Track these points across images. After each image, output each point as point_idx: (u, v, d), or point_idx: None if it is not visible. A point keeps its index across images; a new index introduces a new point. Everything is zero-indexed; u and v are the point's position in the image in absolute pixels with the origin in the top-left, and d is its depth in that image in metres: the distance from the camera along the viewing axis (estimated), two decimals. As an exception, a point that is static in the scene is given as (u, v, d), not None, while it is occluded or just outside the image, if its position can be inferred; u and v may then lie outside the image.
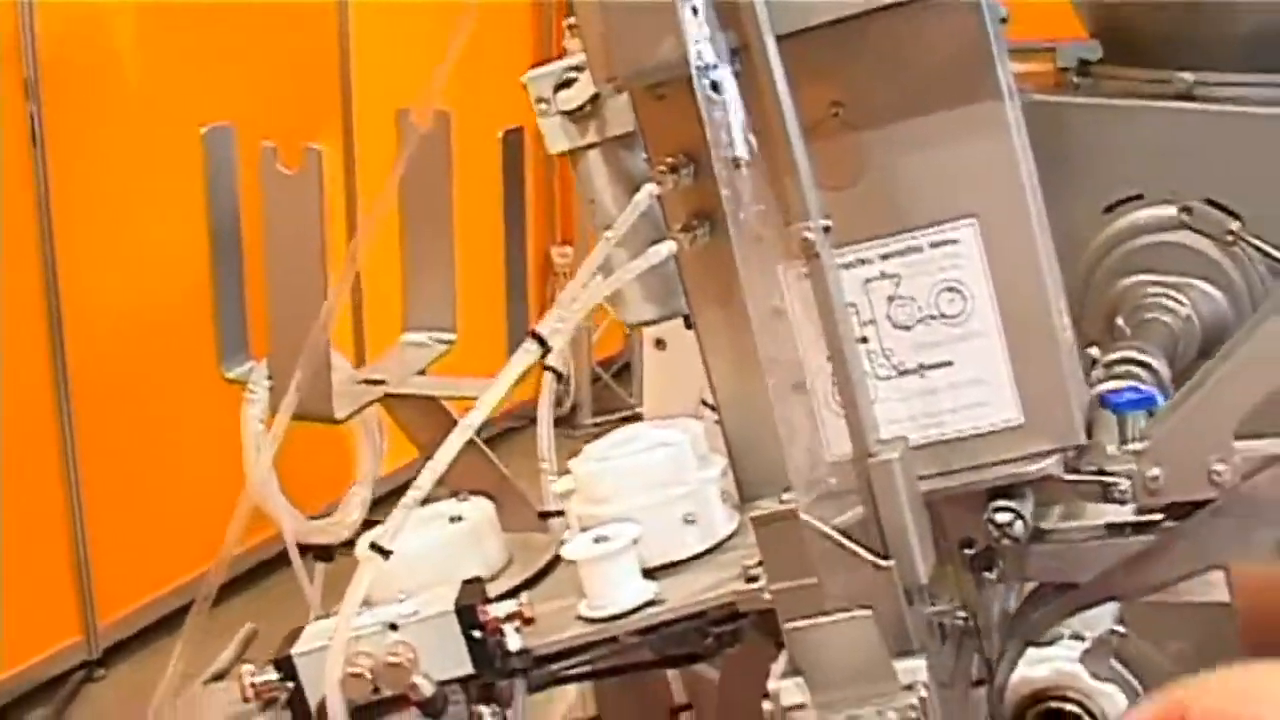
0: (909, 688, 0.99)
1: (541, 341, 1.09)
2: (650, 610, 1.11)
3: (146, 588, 4.32)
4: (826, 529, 1.02)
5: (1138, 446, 1.21)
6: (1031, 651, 1.59)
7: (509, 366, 1.09)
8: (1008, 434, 1.18)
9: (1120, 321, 1.84)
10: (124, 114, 4.23)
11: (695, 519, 1.17)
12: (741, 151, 1.04)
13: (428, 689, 1.07)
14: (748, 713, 1.08)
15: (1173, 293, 1.86)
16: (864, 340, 1.18)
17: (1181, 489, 1.21)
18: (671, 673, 1.44)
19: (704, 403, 1.36)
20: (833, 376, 1.07)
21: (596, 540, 1.12)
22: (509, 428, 2.39)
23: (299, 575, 1.42)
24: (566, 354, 2.39)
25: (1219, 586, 1.22)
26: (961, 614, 1.24)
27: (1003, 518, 1.19)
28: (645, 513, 1.16)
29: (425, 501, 1.13)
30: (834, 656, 0.99)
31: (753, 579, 1.10)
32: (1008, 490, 1.20)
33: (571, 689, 1.58)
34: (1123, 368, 1.56)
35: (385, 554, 1.07)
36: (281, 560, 1.52)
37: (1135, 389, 1.26)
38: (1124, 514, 1.25)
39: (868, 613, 0.98)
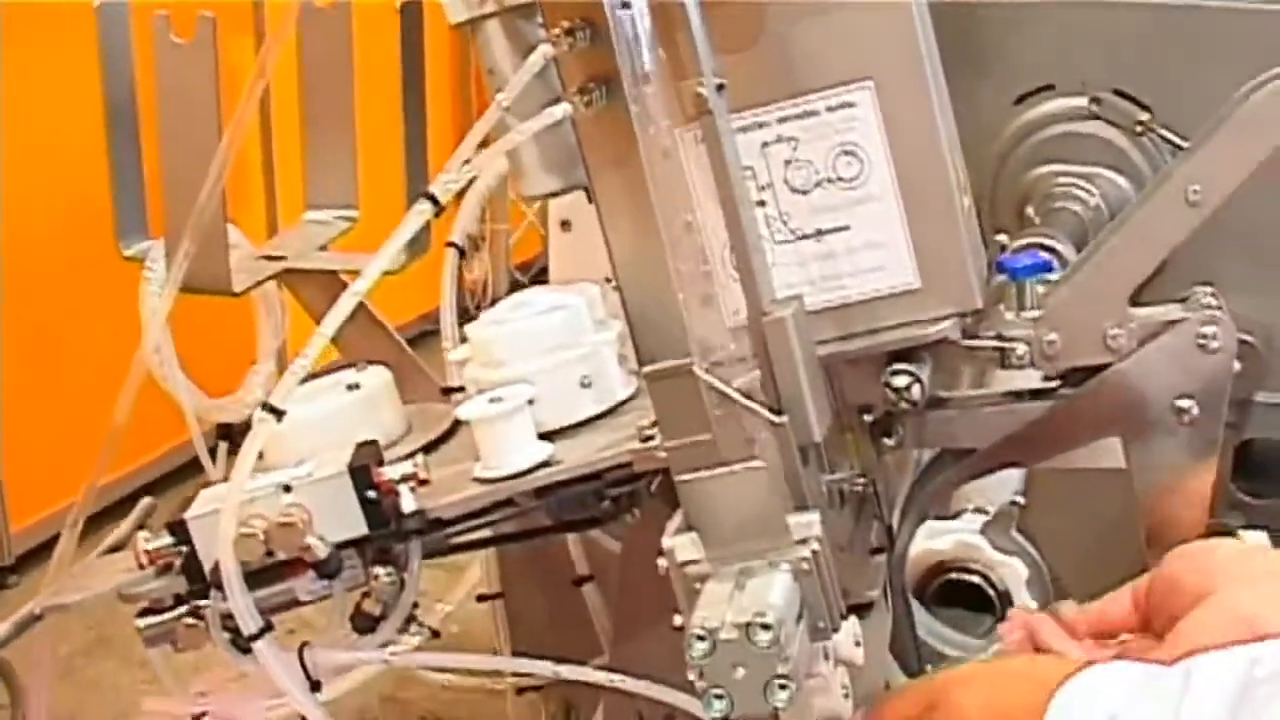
0: (802, 541, 1.00)
1: (434, 200, 1.08)
2: (545, 471, 1.11)
3: (60, 493, 4.27)
4: (719, 384, 1.02)
5: (1035, 313, 1.22)
6: (934, 524, 1.62)
7: (402, 226, 1.07)
8: (905, 298, 1.18)
9: (1030, 211, 1.84)
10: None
11: (591, 382, 1.16)
12: (639, 14, 1.03)
13: (322, 550, 1.07)
14: (649, 583, 1.08)
15: (1082, 182, 1.86)
16: (761, 204, 1.17)
17: (1078, 354, 1.22)
18: (573, 545, 1.44)
19: (608, 280, 1.35)
20: (730, 242, 1.07)
21: (491, 401, 1.12)
22: (426, 330, 2.37)
23: (199, 451, 1.41)
24: (484, 257, 2.37)
25: (1115, 453, 1.24)
26: (860, 480, 1.25)
27: (900, 381, 1.20)
28: (541, 375, 1.15)
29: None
30: (727, 510, 0.99)
31: (648, 439, 1.10)
32: (905, 354, 1.21)
33: (475, 566, 1.58)
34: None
35: (278, 414, 1.06)
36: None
37: (1033, 255, 1.27)
38: (1024, 382, 1.27)
39: (760, 463, 0.98)
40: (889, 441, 1.26)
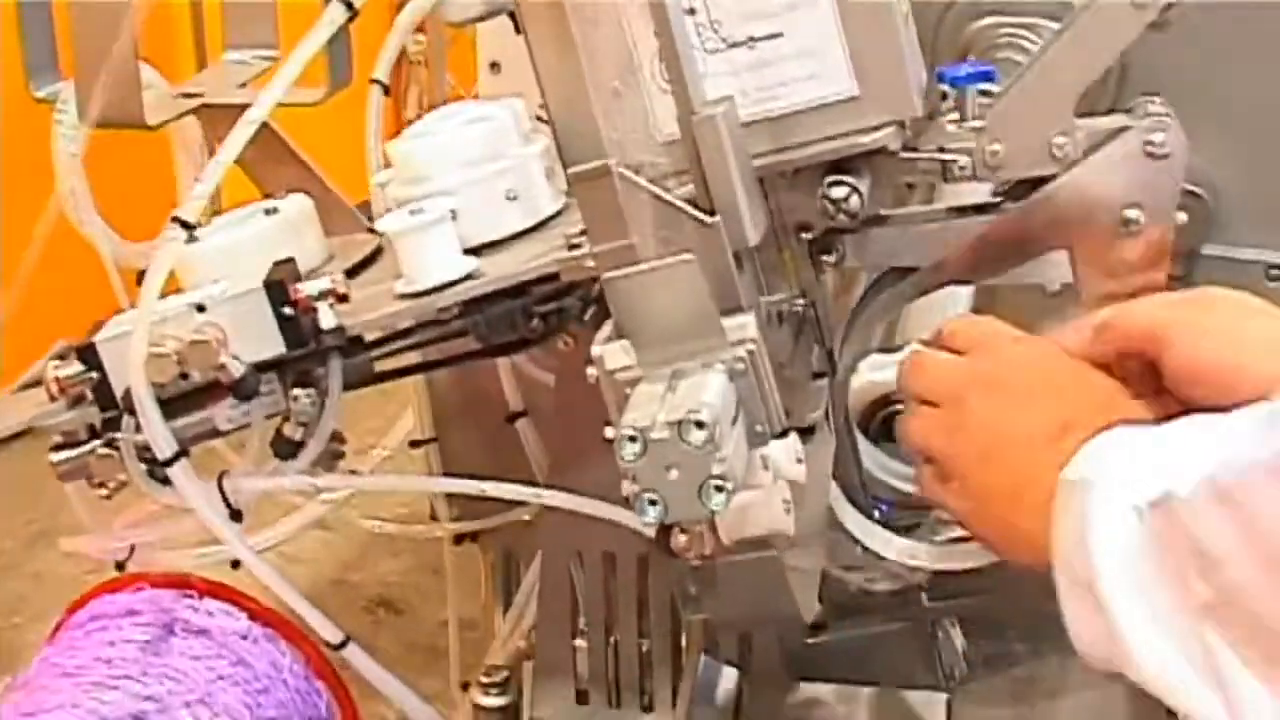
0: (738, 343, 0.96)
1: (349, 5, 1.02)
2: (468, 284, 1.06)
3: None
4: (648, 185, 0.97)
5: (977, 124, 1.17)
6: (877, 357, 1.58)
7: (313, 31, 1.02)
8: (842, 106, 1.13)
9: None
10: None
11: (517, 195, 1.11)
12: None
13: (237, 369, 1.02)
14: (585, 413, 1.04)
15: (1023, 31, 1.83)
16: (691, 12, 1.12)
17: (1022, 164, 1.17)
18: (506, 380, 1.40)
19: (539, 119, 1.30)
20: (660, 50, 1.02)
21: (411, 213, 1.07)
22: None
23: (119, 298, 1.35)
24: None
25: (1063, 268, 1.20)
26: (800, 301, 1.21)
27: (838, 192, 1.15)
28: (465, 188, 1.10)
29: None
30: (657, 310, 0.95)
31: (575, 247, 1.06)
32: (844, 166, 1.16)
33: (408, 412, 1.53)
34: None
35: (188, 227, 1.00)
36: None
37: (974, 63, 1.22)
38: (968, 197, 1.23)
39: (689, 257, 0.94)
40: (828, 259, 1.21)
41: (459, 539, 1.60)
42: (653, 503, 0.91)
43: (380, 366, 1.17)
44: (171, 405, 1.06)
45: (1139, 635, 0.81)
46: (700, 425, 0.88)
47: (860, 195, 1.16)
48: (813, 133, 1.14)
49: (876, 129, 1.13)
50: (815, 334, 1.25)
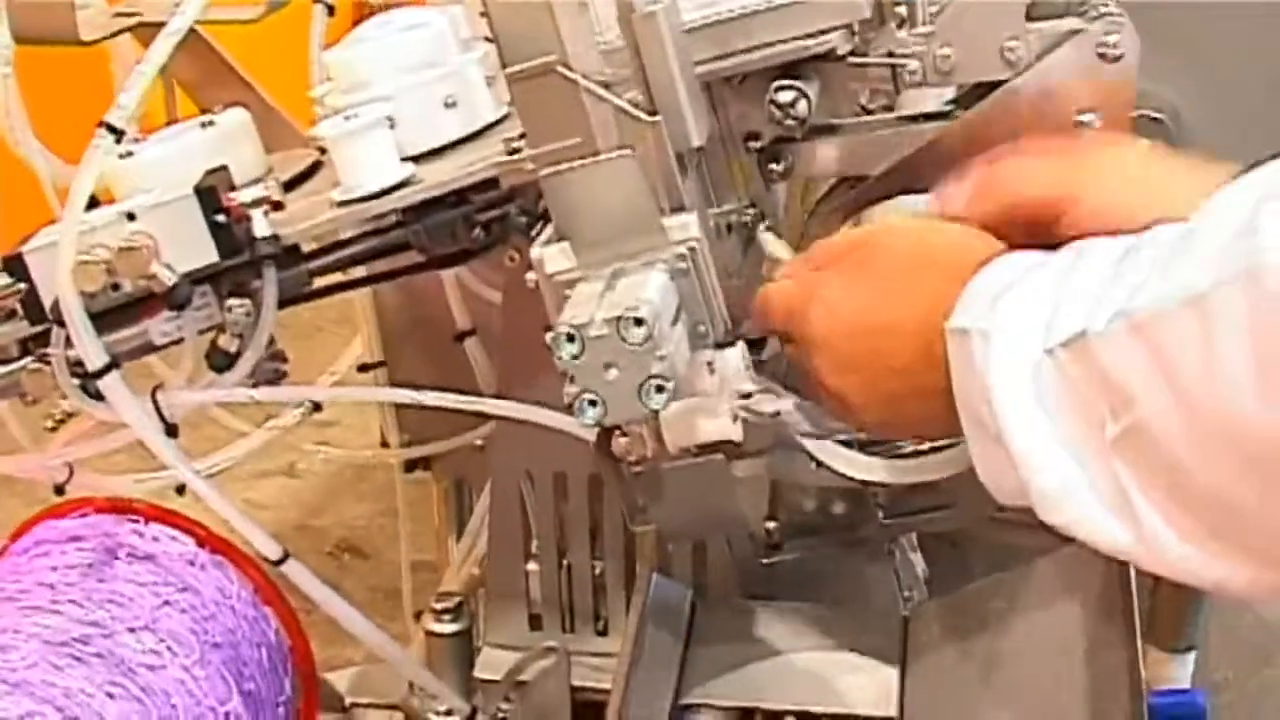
0: (679, 242, 0.93)
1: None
2: (406, 190, 1.03)
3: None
4: (587, 82, 0.95)
5: (927, 29, 1.15)
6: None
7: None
8: (788, 9, 1.10)
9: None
10: None
11: (456, 101, 1.08)
12: None
13: (169, 278, 0.99)
14: (531, 332, 1.01)
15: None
16: (635, -86, 1.10)
17: (974, 69, 1.14)
18: (453, 299, 1.37)
19: (486, 39, 1.27)
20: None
21: (346, 118, 1.04)
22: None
23: (56, 215, 1.32)
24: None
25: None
26: (750, 210, 1.19)
27: (785, 96, 1.13)
28: (402, 96, 1.07)
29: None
30: (597, 207, 0.92)
31: (515, 151, 1.03)
32: (792, 72, 1.14)
33: (357, 338, 1.51)
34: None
35: (117, 134, 0.97)
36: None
37: None
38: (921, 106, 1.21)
39: (628, 153, 0.91)
40: (776, 168, 1.19)
41: (410, 467, 1.57)
42: (592, 403, 0.88)
43: (324, 281, 1.15)
44: (104, 319, 1.04)
45: (1050, 476, 0.81)
46: (639, 322, 0.86)
47: (808, 100, 1.14)
48: (758, 37, 1.12)
49: (824, 32, 1.12)
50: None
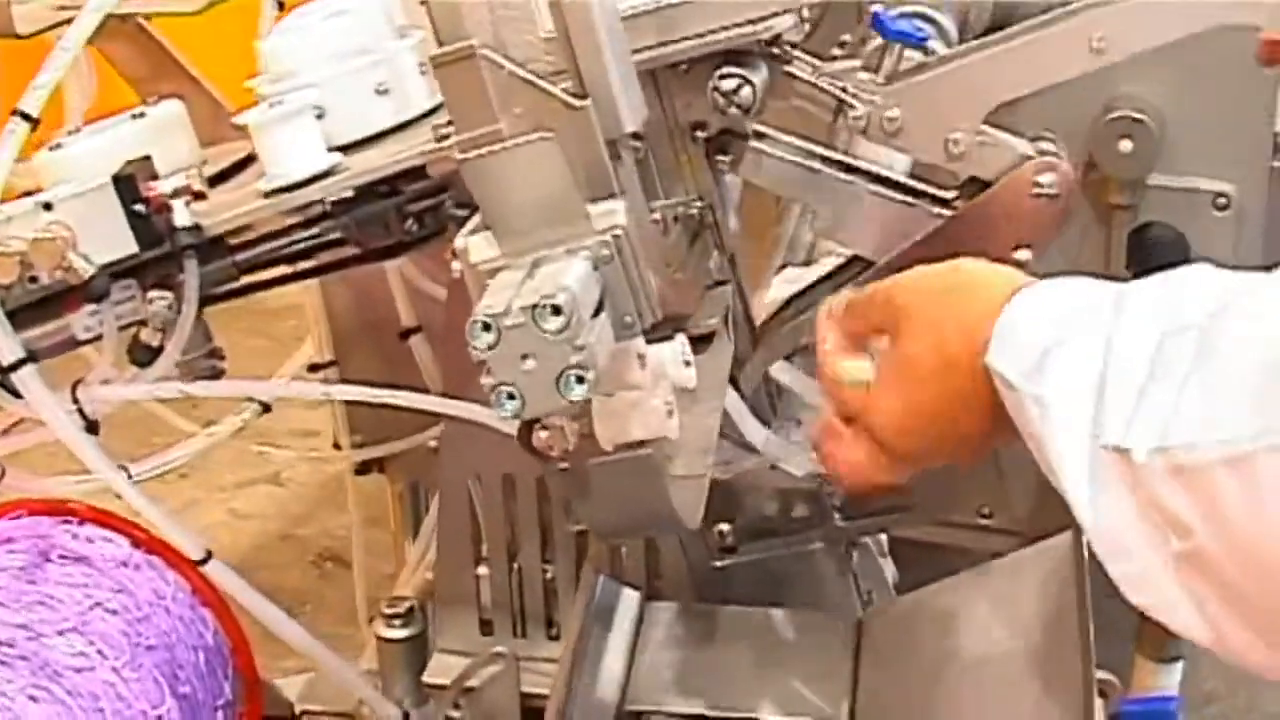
0: (605, 230, 0.90)
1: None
2: (330, 180, 1.00)
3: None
4: (512, 65, 0.92)
5: (887, 85, 1.13)
6: (791, 271, 1.53)
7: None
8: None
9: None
10: None
11: (388, 89, 1.06)
12: None
13: (86, 269, 0.96)
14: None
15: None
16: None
17: (915, 145, 1.14)
18: (399, 296, 1.34)
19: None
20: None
21: (271, 106, 1.01)
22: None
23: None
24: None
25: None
26: (697, 203, 1.17)
27: (728, 84, 1.11)
28: (332, 83, 1.04)
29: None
30: (518, 194, 0.89)
31: (445, 139, 1.00)
32: (737, 60, 1.12)
33: (308, 339, 1.48)
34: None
35: (31, 121, 0.95)
36: None
37: (911, 20, 1.17)
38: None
39: (548, 135, 0.88)
40: (724, 159, 1.16)
41: (364, 469, 1.54)
42: (510, 396, 0.85)
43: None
44: (24, 313, 1.01)
45: (1128, 565, 0.81)
46: (556, 310, 0.83)
47: (753, 87, 1.11)
48: (701, 23, 1.10)
49: (766, 18, 1.09)
50: (715, 239, 1.20)
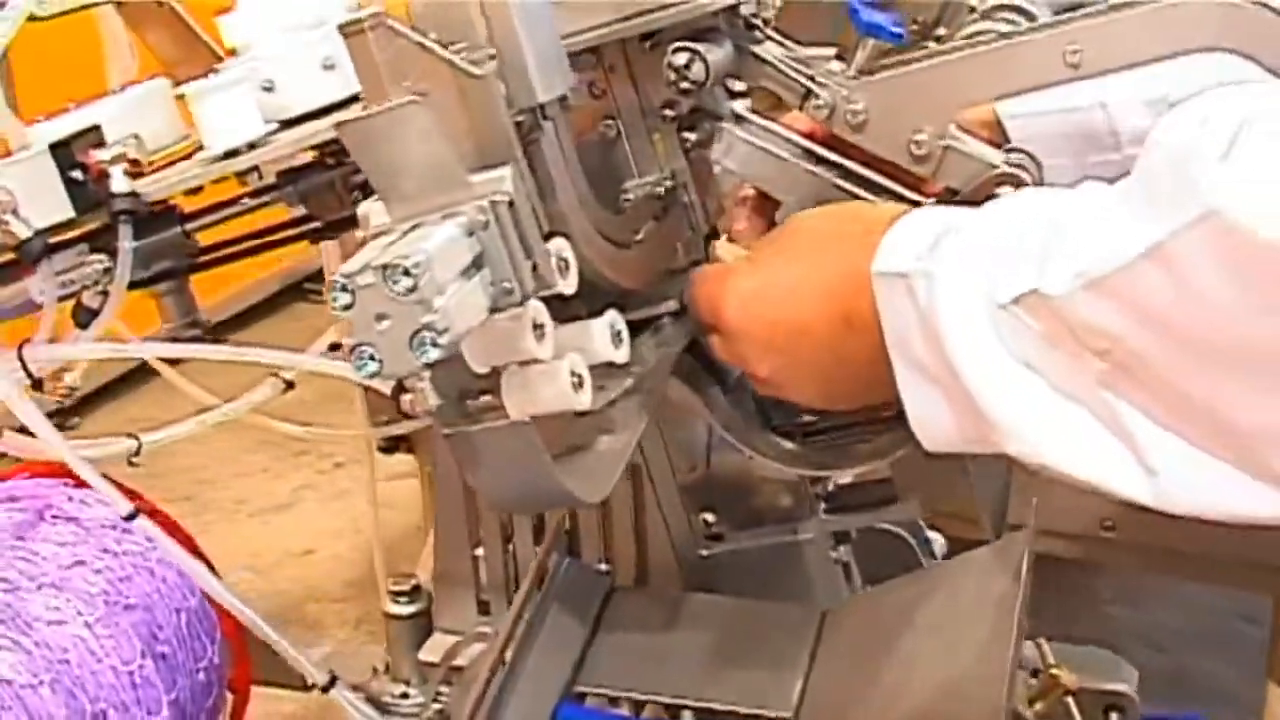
0: (483, 196, 0.90)
1: None
2: (262, 150, 1.02)
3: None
4: (410, 32, 0.92)
5: (853, 76, 1.11)
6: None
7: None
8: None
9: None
10: None
11: (335, 64, 1.07)
12: None
13: (21, 230, 1.00)
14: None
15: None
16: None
17: (878, 142, 1.10)
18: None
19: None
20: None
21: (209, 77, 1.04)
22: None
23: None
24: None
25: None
26: (667, 182, 1.15)
27: (679, 59, 1.09)
28: (281, 57, 1.06)
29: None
30: (395, 161, 0.89)
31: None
32: (698, 36, 1.10)
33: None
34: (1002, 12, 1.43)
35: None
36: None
37: (892, 19, 1.14)
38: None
39: (416, 99, 0.88)
40: (690, 136, 1.15)
41: (390, 449, 1.56)
42: (372, 358, 0.86)
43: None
44: (-13, 276, 1.06)
45: (1023, 414, 0.82)
46: (406, 271, 0.83)
47: (705, 63, 1.09)
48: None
49: (721, -7, 1.08)
50: (688, 219, 1.18)
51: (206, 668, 1.25)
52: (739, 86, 1.18)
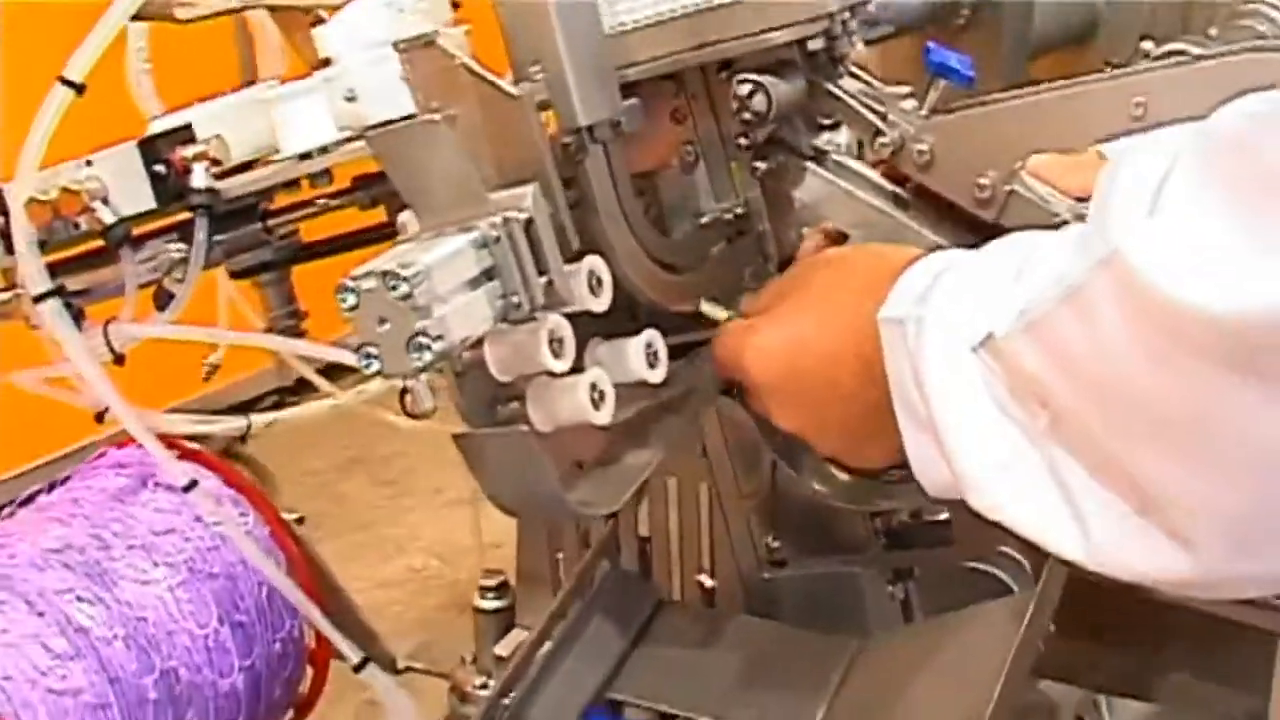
0: (499, 212, 0.93)
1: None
2: (334, 154, 1.08)
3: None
4: (460, 54, 0.97)
5: (925, 117, 1.10)
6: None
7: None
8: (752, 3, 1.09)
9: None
10: None
11: (413, 78, 1.12)
12: None
13: (107, 216, 1.08)
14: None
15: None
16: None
17: (943, 183, 1.10)
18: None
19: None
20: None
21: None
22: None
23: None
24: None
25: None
26: (739, 210, 1.17)
27: (743, 89, 1.11)
28: (366, 69, 1.12)
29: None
30: (420, 175, 0.93)
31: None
32: (767, 69, 1.12)
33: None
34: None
35: (76, 88, 1.07)
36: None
37: (964, 62, 1.14)
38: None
39: (437, 117, 0.93)
40: (760, 166, 1.17)
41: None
42: (375, 357, 0.90)
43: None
44: (82, 260, 1.14)
45: (985, 465, 0.81)
46: (402, 278, 0.87)
47: (768, 95, 1.11)
48: (730, 30, 1.11)
49: (782, 27, 1.09)
50: (759, 247, 1.20)
51: (284, 639, 1.32)
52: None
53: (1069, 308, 0.72)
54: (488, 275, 0.93)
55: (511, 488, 0.98)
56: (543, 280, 0.94)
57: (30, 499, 1.33)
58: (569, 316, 0.98)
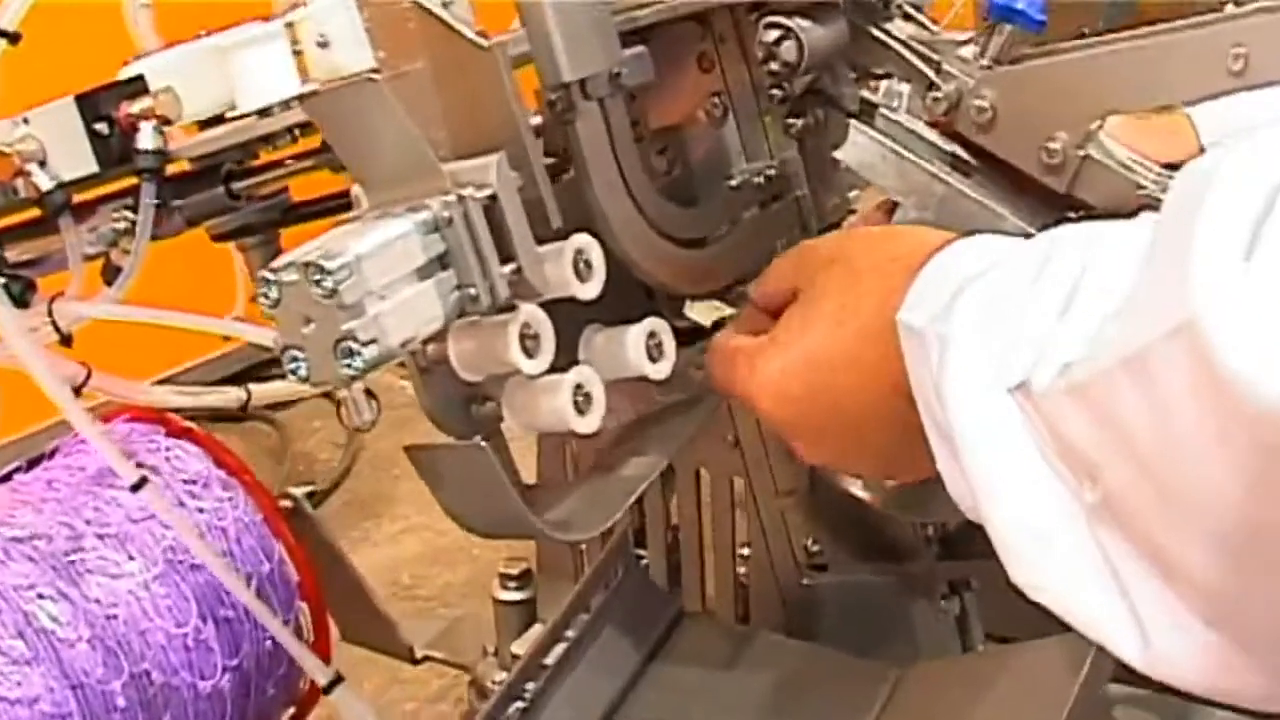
0: (457, 187, 0.79)
1: None
2: (287, 113, 0.94)
3: None
4: (428, 4, 0.82)
5: (983, 66, 0.95)
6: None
7: None
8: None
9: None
10: None
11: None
12: None
13: (43, 181, 0.95)
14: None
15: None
16: None
17: (1005, 146, 0.96)
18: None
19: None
20: None
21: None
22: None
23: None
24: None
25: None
26: (771, 170, 1.02)
27: (770, 35, 0.96)
28: (332, 13, 0.97)
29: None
30: (369, 143, 0.79)
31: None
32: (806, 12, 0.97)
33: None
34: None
35: (10, 37, 0.94)
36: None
37: (1033, 3, 0.97)
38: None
39: (375, 76, 0.78)
40: (795, 123, 1.01)
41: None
42: (300, 360, 0.76)
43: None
44: (28, 228, 1.02)
45: (1021, 542, 0.66)
46: (327, 271, 0.73)
47: (799, 41, 0.95)
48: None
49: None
50: (798, 213, 1.04)
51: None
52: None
53: (1126, 374, 0.57)
54: (441, 263, 0.78)
55: (474, 508, 0.84)
56: (508, 269, 0.79)
57: (7, 477, 1.21)
58: (561, 301, 0.83)
